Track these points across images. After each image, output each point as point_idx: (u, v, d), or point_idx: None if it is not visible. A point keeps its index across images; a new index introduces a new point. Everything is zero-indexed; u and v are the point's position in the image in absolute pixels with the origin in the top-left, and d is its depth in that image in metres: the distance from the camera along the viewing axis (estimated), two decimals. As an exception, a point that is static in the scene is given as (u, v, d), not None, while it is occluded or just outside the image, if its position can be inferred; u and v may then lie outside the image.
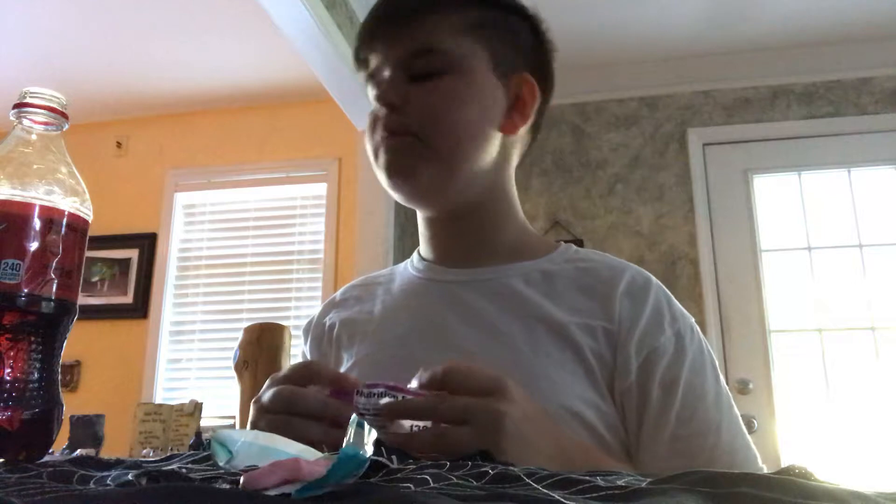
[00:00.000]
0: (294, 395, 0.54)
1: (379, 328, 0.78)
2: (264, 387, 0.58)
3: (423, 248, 0.84)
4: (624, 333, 0.69)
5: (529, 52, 0.80)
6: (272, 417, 0.54)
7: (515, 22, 0.79)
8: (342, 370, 0.77)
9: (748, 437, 0.69)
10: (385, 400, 0.49)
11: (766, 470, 0.67)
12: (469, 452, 0.44)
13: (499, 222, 0.79)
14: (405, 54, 0.74)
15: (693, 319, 0.74)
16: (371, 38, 0.77)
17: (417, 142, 0.72)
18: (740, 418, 0.70)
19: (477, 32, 0.75)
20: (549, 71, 0.82)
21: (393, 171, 0.73)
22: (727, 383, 0.72)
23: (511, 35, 0.78)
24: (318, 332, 0.84)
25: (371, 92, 0.78)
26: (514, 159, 0.81)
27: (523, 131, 0.79)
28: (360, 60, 0.79)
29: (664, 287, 0.75)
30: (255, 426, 0.55)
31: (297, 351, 1.00)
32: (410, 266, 0.85)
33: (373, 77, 0.77)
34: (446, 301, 0.76)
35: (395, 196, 0.77)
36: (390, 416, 0.49)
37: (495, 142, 0.76)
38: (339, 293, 0.89)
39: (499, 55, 0.76)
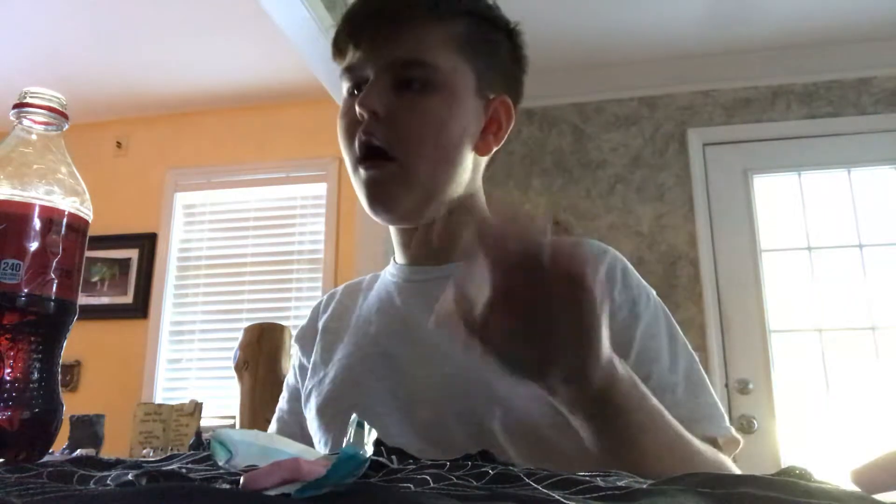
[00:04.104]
0: None
1: (354, 331, 0.80)
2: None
3: (397, 253, 0.84)
4: None
5: (508, 71, 0.79)
6: None
7: (499, 39, 0.78)
8: (321, 375, 0.78)
9: (714, 397, 0.70)
10: None
11: (731, 427, 0.68)
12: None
13: (468, 222, 0.79)
14: (394, 61, 0.72)
15: (652, 290, 0.75)
16: (357, 31, 0.74)
17: (399, 169, 0.71)
18: (707, 384, 0.71)
19: (465, 49, 0.74)
20: (522, 89, 0.82)
21: (376, 202, 0.73)
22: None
23: (494, 54, 0.77)
24: (310, 334, 0.86)
25: (345, 84, 0.76)
26: (482, 169, 0.81)
27: (495, 149, 0.79)
28: (339, 49, 0.77)
29: (623, 258, 0.77)
30: None
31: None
32: (387, 271, 0.86)
33: (350, 71, 0.75)
34: (419, 299, 0.76)
35: (374, 218, 0.76)
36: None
37: (470, 162, 0.76)
38: (338, 290, 0.90)
39: (483, 76, 0.75)
